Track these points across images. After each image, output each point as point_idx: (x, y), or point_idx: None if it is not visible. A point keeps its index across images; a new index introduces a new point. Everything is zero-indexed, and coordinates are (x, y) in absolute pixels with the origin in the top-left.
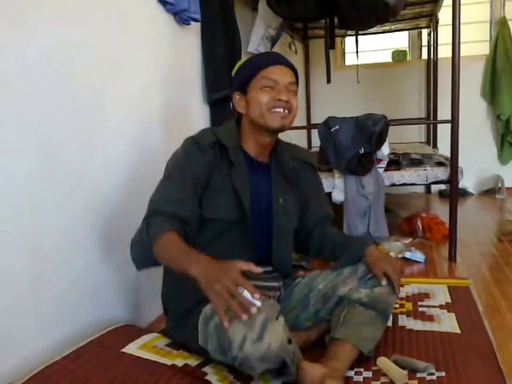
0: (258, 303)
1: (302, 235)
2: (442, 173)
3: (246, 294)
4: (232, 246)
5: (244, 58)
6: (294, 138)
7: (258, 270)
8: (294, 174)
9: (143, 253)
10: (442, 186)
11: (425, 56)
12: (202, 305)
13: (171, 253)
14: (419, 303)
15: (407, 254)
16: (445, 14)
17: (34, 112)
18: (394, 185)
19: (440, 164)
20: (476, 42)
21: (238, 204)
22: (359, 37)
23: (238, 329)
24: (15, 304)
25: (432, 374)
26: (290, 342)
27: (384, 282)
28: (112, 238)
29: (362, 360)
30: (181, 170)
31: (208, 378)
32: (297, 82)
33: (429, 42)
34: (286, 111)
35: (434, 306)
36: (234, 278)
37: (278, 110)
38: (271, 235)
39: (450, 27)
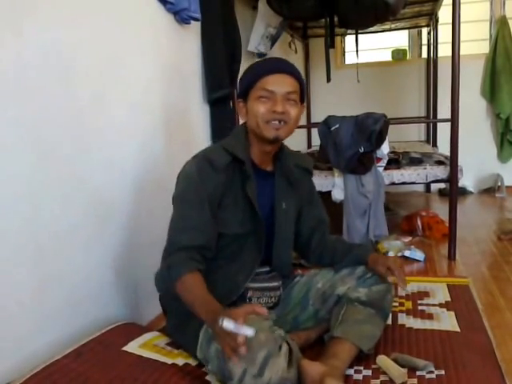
0: (248, 331)
1: (302, 242)
2: (442, 171)
3: (226, 323)
4: (244, 254)
5: (250, 65)
6: (294, 136)
7: (264, 311)
8: (297, 181)
9: (166, 288)
10: (442, 185)
11: (425, 55)
12: None
13: (190, 299)
14: (419, 302)
15: (407, 253)
16: (445, 13)
17: (32, 112)
18: (393, 183)
19: (440, 163)
20: (476, 41)
21: (251, 215)
22: (359, 36)
23: (238, 363)
24: (16, 303)
25: (431, 372)
26: (290, 358)
27: (390, 279)
28: (112, 238)
29: (362, 358)
30: (196, 192)
31: (208, 377)
32: (301, 90)
33: (429, 40)
34: (282, 123)
35: (434, 305)
36: (225, 314)
37: (273, 122)
38: (271, 238)
39: (450, 26)
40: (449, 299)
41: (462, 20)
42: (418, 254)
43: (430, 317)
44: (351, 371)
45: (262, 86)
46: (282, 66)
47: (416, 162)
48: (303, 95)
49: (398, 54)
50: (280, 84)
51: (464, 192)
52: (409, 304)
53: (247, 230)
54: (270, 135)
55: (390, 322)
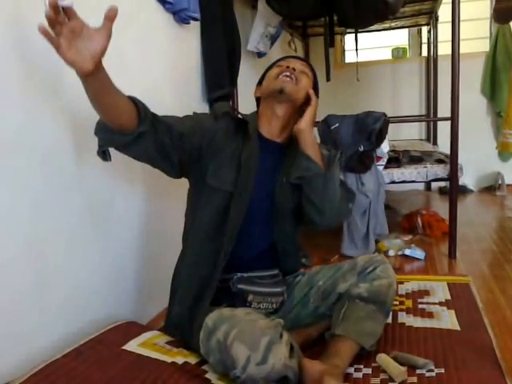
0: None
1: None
2: (442, 170)
3: None
4: (231, 219)
5: None
6: None
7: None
8: None
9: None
10: (442, 183)
11: (425, 53)
12: (204, 297)
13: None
14: (419, 300)
15: (407, 251)
16: (444, 11)
17: (31, 109)
18: (393, 182)
19: (440, 161)
20: (476, 39)
21: (244, 178)
22: (359, 34)
23: (242, 351)
24: (16, 303)
25: (431, 370)
26: (292, 349)
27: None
28: (112, 236)
29: (363, 356)
30: (187, 118)
31: (208, 375)
32: (314, 82)
33: (428, 39)
34: (290, 78)
35: (434, 303)
36: None
37: (280, 77)
38: (272, 216)
39: (450, 24)
40: (449, 298)
41: (461, 18)
42: (419, 253)
43: (430, 315)
44: (351, 369)
45: (280, 61)
46: (300, 57)
47: (416, 160)
48: (316, 88)
49: (398, 53)
50: (296, 61)
51: (464, 190)
52: (409, 302)
53: (237, 192)
54: (276, 86)
55: (390, 320)
